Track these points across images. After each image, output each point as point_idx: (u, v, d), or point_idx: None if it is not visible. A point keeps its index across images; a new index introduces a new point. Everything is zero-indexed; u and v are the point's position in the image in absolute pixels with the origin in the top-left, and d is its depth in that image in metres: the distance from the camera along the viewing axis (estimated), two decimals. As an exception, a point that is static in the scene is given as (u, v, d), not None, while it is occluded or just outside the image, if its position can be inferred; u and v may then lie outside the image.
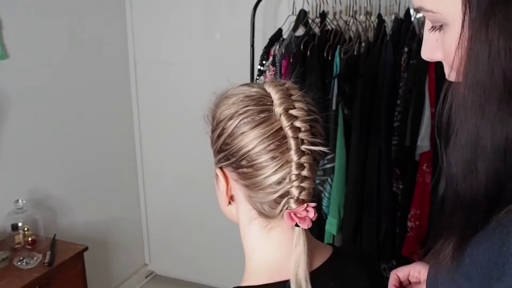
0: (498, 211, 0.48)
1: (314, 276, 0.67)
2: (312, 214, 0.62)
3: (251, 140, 0.61)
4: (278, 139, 0.61)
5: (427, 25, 0.54)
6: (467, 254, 0.50)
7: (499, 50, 0.44)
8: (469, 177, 0.48)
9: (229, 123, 0.63)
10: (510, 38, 0.43)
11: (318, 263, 0.69)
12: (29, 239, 1.92)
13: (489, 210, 0.48)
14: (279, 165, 0.61)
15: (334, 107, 1.86)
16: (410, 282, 0.79)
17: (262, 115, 0.62)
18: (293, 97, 0.64)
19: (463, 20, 0.47)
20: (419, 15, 1.96)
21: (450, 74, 0.51)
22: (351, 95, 1.86)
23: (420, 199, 1.86)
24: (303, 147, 0.61)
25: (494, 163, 0.46)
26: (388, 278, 0.80)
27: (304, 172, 0.61)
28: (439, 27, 0.52)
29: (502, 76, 0.44)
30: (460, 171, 0.49)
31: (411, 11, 1.92)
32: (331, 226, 1.91)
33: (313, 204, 0.63)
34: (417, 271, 0.77)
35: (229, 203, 0.69)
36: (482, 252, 0.48)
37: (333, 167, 1.87)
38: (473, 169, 0.48)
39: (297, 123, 0.61)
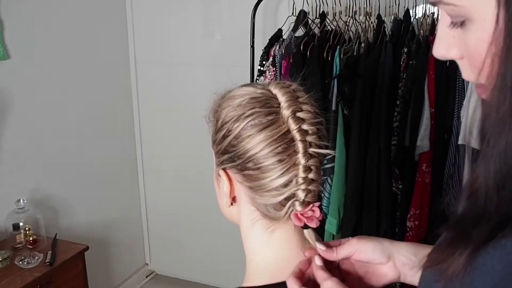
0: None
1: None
2: (318, 213, 0.62)
3: (258, 143, 0.61)
4: (285, 142, 0.60)
5: (444, 20, 0.47)
6: (475, 266, 0.47)
7: None
8: (503, 190, 0.44)
9: (235, 125, 0.62)
10: None
11: None
12: (30, 238, 1.92)
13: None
14: (286, 168, 0.60)
15: (334, 108, 1.87)
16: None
17: (269, 117, 0.61)
18: (300, 100, 0.63)
19: (497, 15, 0.41)
20: (419, 15, 1.97)
21: (476, 77, 0.46)
22: (350, 96, 1.87)
23: (419, 199, 1.87)
24: (310, 150, 0.61)
25: None
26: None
27: (311, 175, 0.61)
28: (460, 23, 0.45)
29: None
30: (493, 183, 0.45)
31: (411, 11, 1.93)
32: (331, 226, 1.92)
33: (318, 203, 0.63)
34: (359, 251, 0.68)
35: (231, 204, 0.68)
36: (494, 263, 0.46)
37: (333, 167, 1.88)
38: (508, 183, 0.43)
39: (305, 126, 0.61)
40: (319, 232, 1.98)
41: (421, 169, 1.86)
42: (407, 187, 1.89)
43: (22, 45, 2.06)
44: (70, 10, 2.32)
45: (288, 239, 0.67)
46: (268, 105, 0.62)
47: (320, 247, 0.65)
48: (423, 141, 1.80)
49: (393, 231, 1.93)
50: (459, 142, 1.76)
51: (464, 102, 1.75)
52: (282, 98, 0.62)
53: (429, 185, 1.86)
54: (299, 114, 0.61)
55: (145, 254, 3.09)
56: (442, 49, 0.48)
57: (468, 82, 1.75)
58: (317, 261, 0.63)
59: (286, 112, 0.61)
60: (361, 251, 0.66)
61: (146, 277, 3.05)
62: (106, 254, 2.69)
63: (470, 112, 1.72)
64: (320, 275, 0.61)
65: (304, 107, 0.63)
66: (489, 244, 0.46)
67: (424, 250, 0.66)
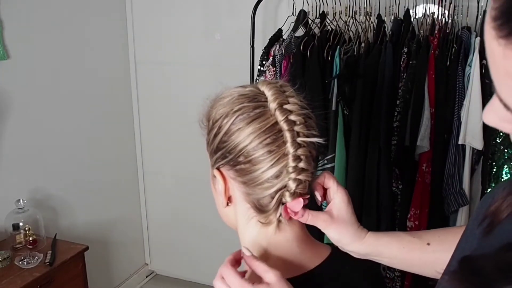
0: None
1: (312, 275, 0.67)
2: (306, 202, 0.65)
3: (247, 136, 0.62)
4: (274, 133, 0.62)
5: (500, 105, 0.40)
6: None
7: None
8: None
9: (225, 120, 0.64)
10: None
11: (316, 262, 0.69)
12: (30, 238, 1.93)
13: None
14: (276, 159, 0.62)
15: (334, 107, 1.87)
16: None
17: (257, 110, 0.63)
18: (286, 93, 0.65)
19: None
20: (419, 15, 1.97)
21: None
22: (350, 96, 1.87)
23: (419, 199, 1.86)
24: (299, 140, 0.62)
25: None
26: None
27: (301, 164, 0.62)
28: None
29: None
30: None
31: (411, 11, 1.93)
32: (331, 226, 1.92)
33: (307, 196, 0.65)
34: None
35: (227, 204, 0.69)
36: None
37: (332, 167, 1.88)
38: None
39: (292, 117, 0.63)
40: (319, 233, 1.98)
41: (421, 169, 1.86)
42: (407, 187, 1.88)
43: (22, 45, 2.06)
44: (70, 10, 2.32)
45: (284, 235, 0.68)
46: (256, 99, 0.64)
47: (246, 252, 0.63)
48: (423, 141, 1.80)
49: (393, 231, 1.93)
50: (459, 142, 1.76)
51: (464, 102, 1.75)
52: (268, 93, 0.64)
53: (429, 185, 1.86)
54: (286, 106, 0.63)
55: (145, 254, 3.09)
56: (495, 119, 0.43)
57: (468, 82, 1.74)
58: (246, 252, 0.62)
59: (273, 104, 0.63)
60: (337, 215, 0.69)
61: (146, 277, 3.05)
62: (106, 254, 2.69)
63: (470, 112, 1.72)
64: (260, 267, 0.60)
65: (291, 99, 0.64)
66: None
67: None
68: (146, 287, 3.00)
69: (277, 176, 0.62)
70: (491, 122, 0.44)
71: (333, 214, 0.69)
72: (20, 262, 1.83)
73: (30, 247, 1.92)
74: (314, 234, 0.73)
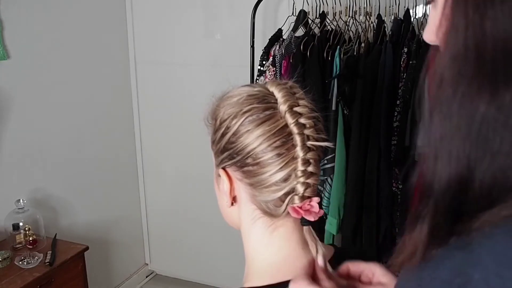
0: (472, 218, 0.43)
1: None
2: (316, 208, 0.62)
3: (257, 138, 0.61)
4: (283, 136, 0.61)
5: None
6: (426, 268, 0.46)
7: (474, 22, 0.42)
8: (439, 158, 0.45)
9: (234, 121, 0.63)
10: (484, 10, 0.41)
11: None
12: (30, 238, 1.92)
13: (459, 208, 0.45)
14: (285, 162, 0.61)
15: (334, 108, 1.87)
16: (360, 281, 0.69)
17: (267, 112, 0.62)
18: (296, 95, 0.64)
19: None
20: (419, 15, 1.97)
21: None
22: (350, 96, 1.87)
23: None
24: (308, 143, 0.61)
25: (464, 146, 0.43)
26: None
27: (310, 168, 0.62)
28: (431, 1, 0.48)
29: (475, 50, 0.42)
30: (431, 152, 0.46)
31: (411, 11, 1.93)
32: (331, 226, 1.92)
33: (317, 199, 0.63)
34: (371, 272, 0.66)
35: (232, 204, 0.68)
36: (443, 270, 0.44)
37: (333, 167, 1.88)
38: (443, 150, 0.44)
39: (302, 120, 0.62)
40: (319, 233, 1.98)
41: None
42: (407, 187, 1.88)
43: (22, 45, 2.06)
44: (70, 10, 2.32)
45: (289, 237, 0.66)
46: (265, 101, 0.63)
47: (320, 261, 0.63)
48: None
49: (393, 231, 1.93)
50: (459, 142, 1.76)
51: (464, 102, 1.75)
52: (278, 94, 0.63)
53: (429, 185, 1.86)
54: (296, 109, 0.62)
55: (145, 254, 3.09)
56: (427, 33, 0.50)
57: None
58: (320, 262, 0.63)
59: (283, 107, 0.62)
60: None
61: (146, 277, 3.05)
62: (106, 254, 2.69)
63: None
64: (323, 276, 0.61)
65: (301, 102, 0.63)
66: (442, 248, 0.45)
67: None
68: (146, 287, 3.00)
69: (286, 179, 0.61)
70: (429, 39, 0.49)
71: (383, 283, 0.64)
72: (20, 262, 1.83)
73: (30, 247, 1.92)
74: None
